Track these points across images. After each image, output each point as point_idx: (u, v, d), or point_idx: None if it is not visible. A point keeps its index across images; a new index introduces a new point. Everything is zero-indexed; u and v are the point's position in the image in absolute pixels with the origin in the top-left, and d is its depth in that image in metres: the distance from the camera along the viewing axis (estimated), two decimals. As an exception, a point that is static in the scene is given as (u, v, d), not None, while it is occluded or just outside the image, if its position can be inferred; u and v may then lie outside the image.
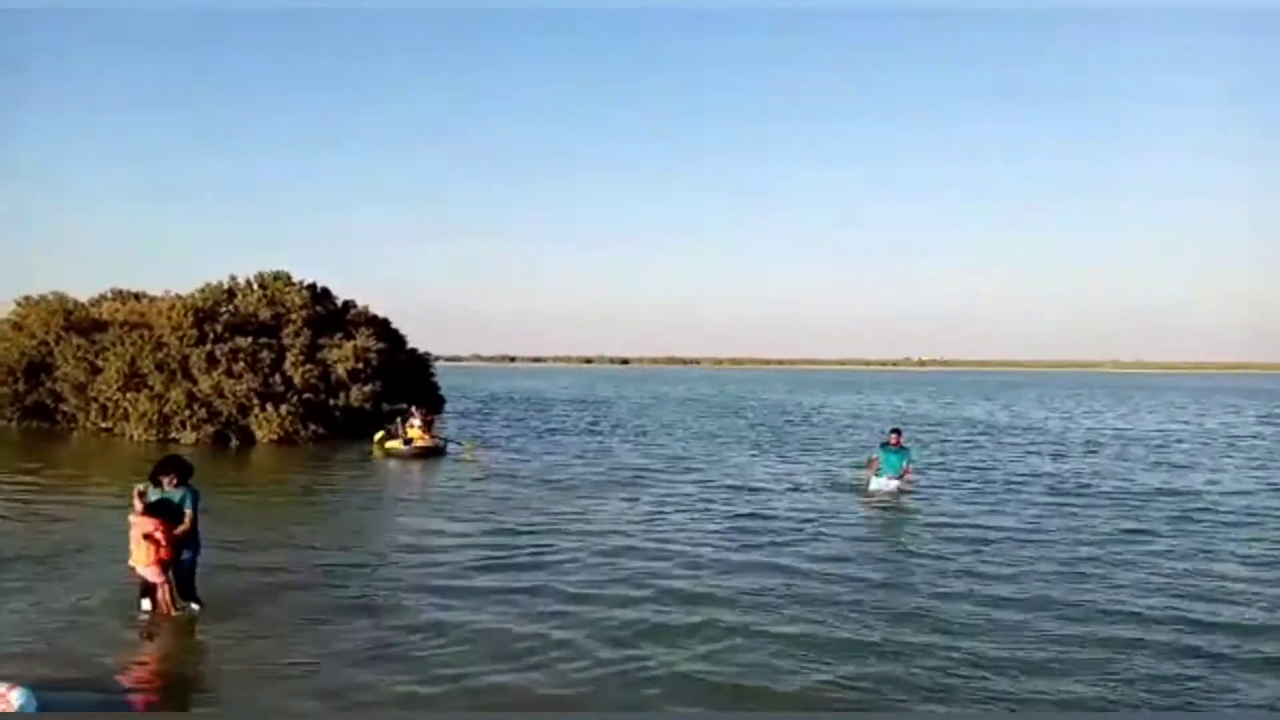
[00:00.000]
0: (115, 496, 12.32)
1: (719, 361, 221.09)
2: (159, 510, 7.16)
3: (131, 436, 22.28)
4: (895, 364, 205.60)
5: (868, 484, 14.32)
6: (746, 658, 6.36)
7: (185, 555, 7.29)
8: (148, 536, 7.00)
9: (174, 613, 7.14)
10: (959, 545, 10.23)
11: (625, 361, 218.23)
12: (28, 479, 15.41)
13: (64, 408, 24.81)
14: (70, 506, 12.65)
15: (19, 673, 5.51)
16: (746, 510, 12.53)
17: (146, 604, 7.20)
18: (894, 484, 14.05)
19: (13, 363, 25.44)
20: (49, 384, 25.09)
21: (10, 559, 9.16)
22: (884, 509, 13.13)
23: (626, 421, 30.79)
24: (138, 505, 7.17)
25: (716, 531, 11.05)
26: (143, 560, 7.05)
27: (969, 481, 15.79)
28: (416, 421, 20.44)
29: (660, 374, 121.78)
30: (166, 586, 7.16)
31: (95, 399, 23.67)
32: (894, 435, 14.66)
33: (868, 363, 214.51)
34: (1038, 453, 21.29)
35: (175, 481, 7.30)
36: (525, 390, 58.36)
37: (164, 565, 7.09)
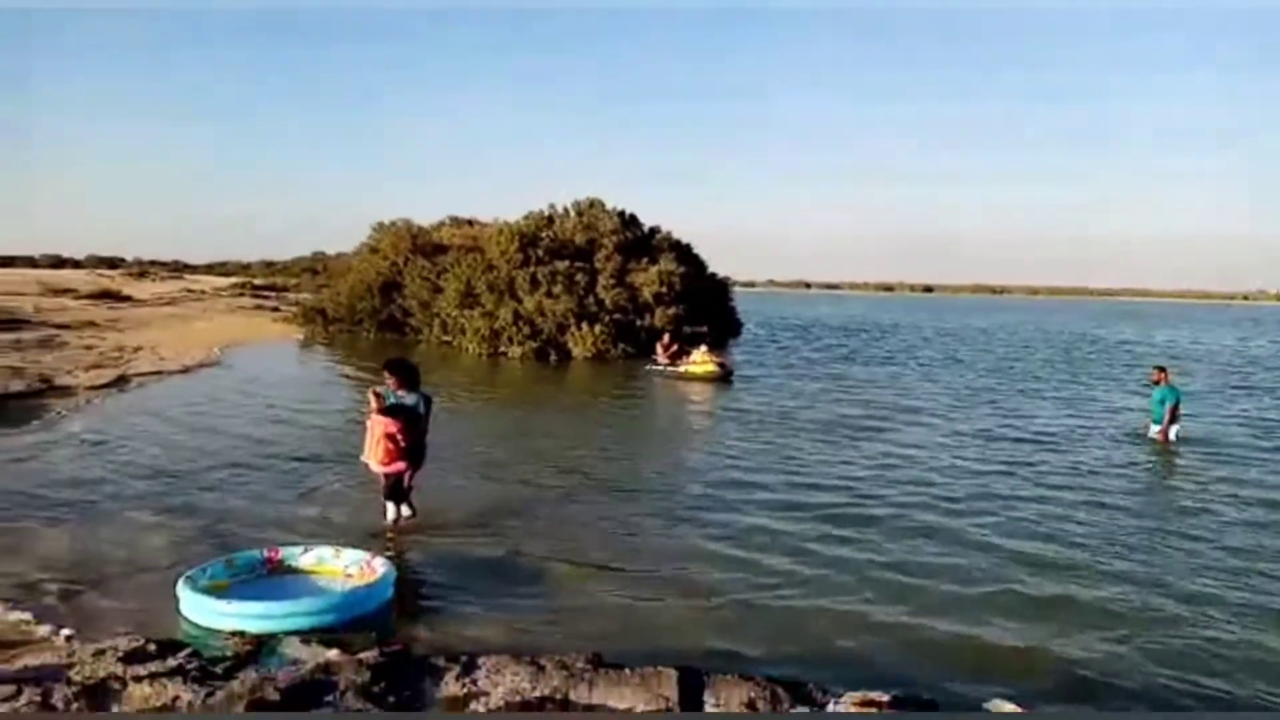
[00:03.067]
0: (451, 401, 13.77)
1: (1034, 291, 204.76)
2: (395, 412, 7.19)
3: (467, 350, 24.76)
4: (1247, 297, 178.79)
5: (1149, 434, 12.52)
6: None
7: (414, 460, 7.31)
8: (389, 436, 7.06)
9: (404, 506, 7.29)
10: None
11: (929, 289, 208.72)
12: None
13: (411, 322, 28.03)
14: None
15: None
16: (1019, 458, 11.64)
17: (391, 510, 7.29)
18: (1154, 428, 12.34)
19: (370, 281, 29.08)
20: (399, 301, 28.43)
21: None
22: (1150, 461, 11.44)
23: (911, 351, 29.51)
24: (374, 404, 7.26)
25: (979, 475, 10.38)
26: (381, 459, 7.11)
27: None
28: (699, 351, 20.37)
29: (964, 303, 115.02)
30: (410, 475, 7.29)
31: (437, 315, 26.53)
32: (1157, 373, 12.83)
33: (1208, 295, 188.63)
34: None
35: (398, 384, 7.30)
36: (810, 317, 57.58)
37: (403, 459, 7.14)
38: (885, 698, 3.33)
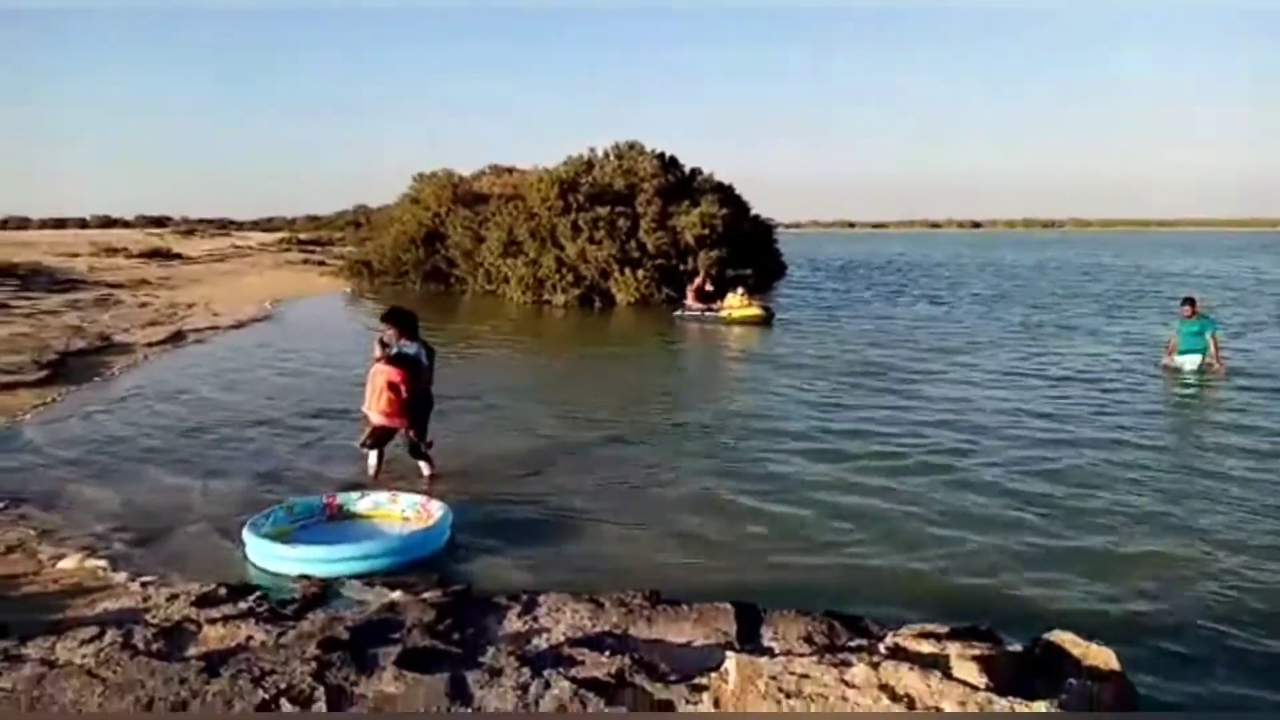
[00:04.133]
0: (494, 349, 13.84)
1: (1085, 224, 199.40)
2: (399, 361, 7.03)
3: (511, 298, 24.86)
4: None
5: (1172, 365, 12.22)
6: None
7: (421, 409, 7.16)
8: (391, 385, 6.89)
9: (421, 462, 7.17)
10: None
11: (976, 225, 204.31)
12: (442, 329, 17.92)
13: (455, 272, 28.17)
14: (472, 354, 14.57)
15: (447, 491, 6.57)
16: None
17: (373, 459, 7.18)
18: (1195, 360, 11.91)
19: (413, 232, 29.22)
20: (442, 251, 28.56)
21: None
22: (1178, 396, 11.15)
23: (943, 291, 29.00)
24: (377, 352, 7.10)
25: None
26: (382, 409, 6.94)
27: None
28: (735, 295, 19.75)
29: (1014, 239, 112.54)
30: (411, 432, 7.08)
31: (480, 264, 26.63)
32: (1185, 307, 12.26)
33: (1275, 223, 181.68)
34: None
35: (400, 334, 7.13)
36: (856, 257, 56.77)
37: (404, 413, 6.96)
38: (944, 629, 3.34)
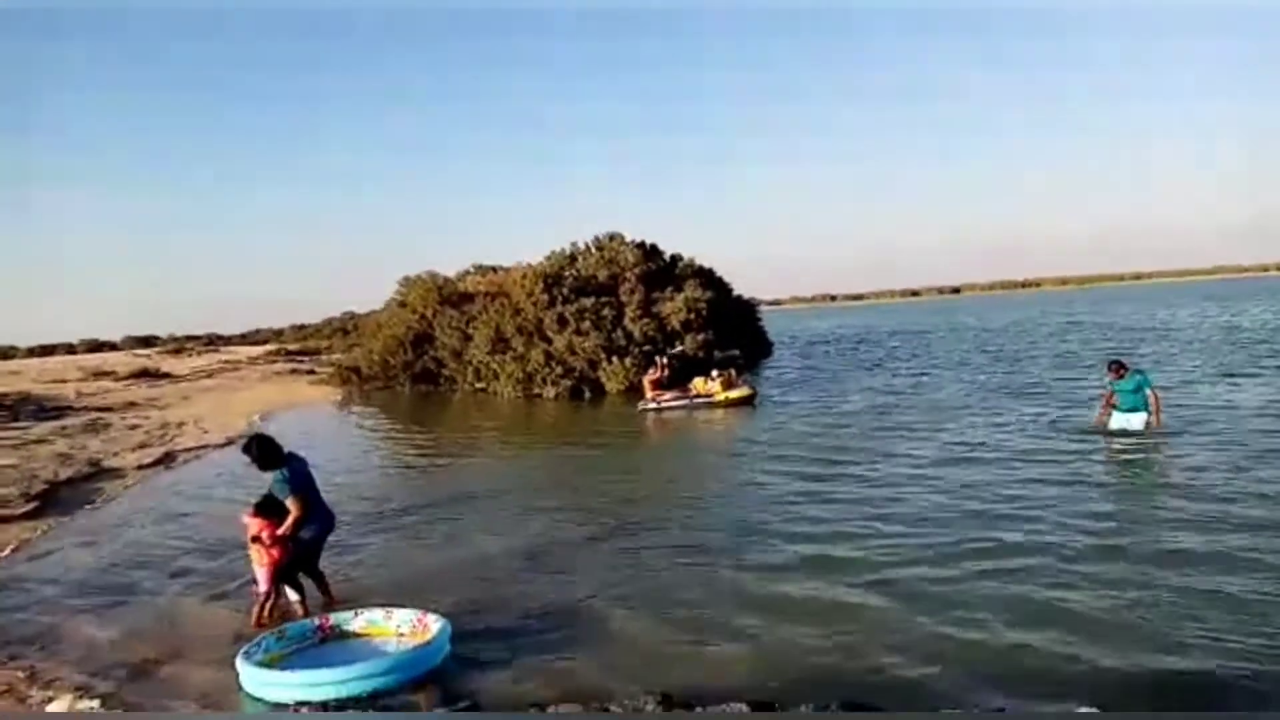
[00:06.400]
0: (486, 447, 13.74)
1: (1063, 282, 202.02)
2: (266, 509, 6.54)
3: (502, 395, 24.87)
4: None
5: (1104, 423, 11.92)
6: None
7: (305, 534, 6.57)
8: (255, 539, 6.50)
9: (263, 619, 6.44)
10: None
11: (956, 290, 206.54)
12: (432, 432, 17.86)
13: (445, 372, 28.24)
14: (461, 456, 14.51)
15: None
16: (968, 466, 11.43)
17: (291, 595, 6.69)
18: (1140, 419, 11.58)
19: (401, 335, 29.40)
20: (431, 352, 28.69)
21: (422, 505, 10.66)
22: (1120, 455, 10.92)
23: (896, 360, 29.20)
24: (248, 510, 6.70)
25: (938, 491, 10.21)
26: (255, 561, 6.59)
27: None
28: (706, 380, 19.20)
29: (992, 301, 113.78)
30: (269, 599, 6.53)
31: (469, 363, 26.73)
32: (1112, 371, 11.94)
33: (1243, 269, 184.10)
34: None
35: (260, 469, 6.54)
36: (835, 332, 57.26)
37: (274, 570, 6.47)
38: None
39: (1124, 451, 11.00)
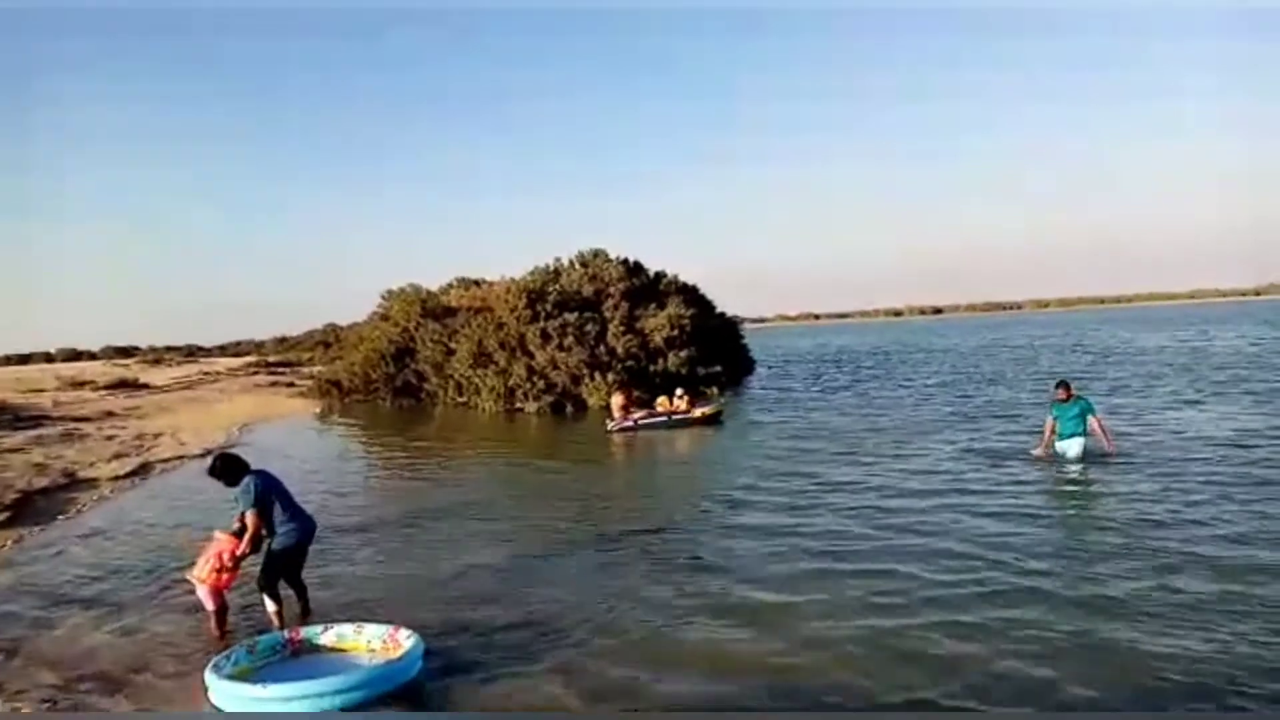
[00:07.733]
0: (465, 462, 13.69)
1: (1044, 304, 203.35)
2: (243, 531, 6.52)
3: (483, 409, 24.82)
4: (1259, 292, 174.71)
5: (1045, 449, 11.74)
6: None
7: (283, 542, 6.61)
8: (218, 555, 6.50)
9: (224, 631, 6.54)
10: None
11: (938, 311, 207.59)
12: (411, 446, 17.80)
13: (426, 386, 28.16)
14: (442, 470, 14.46)
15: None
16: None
17: (271, 604, 6.61)
18: (1079, 445, 11.41)
19: (383, 349, 29.31)
20: (413, 366, 28.61)
21: (389, 522, 10.62)
22: (1065, 482, 10.69)
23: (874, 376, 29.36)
24: (231, 528, 6.67)
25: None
26: (201, 576, 6.54)
27: None
28: (670, 399, 19.41)
29: (974, 322, 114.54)
30: (219, 612, 6.58)
31: (451, 377, 26.67)
32: (1060, 390, 11.79)
33: (1223, 294, 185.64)
34: None
35: (225, 483, 6.63)
36: (818, 350, 57.50)
37: (218, 589, 6.54)
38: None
39: (1062, 481, 10.72)
